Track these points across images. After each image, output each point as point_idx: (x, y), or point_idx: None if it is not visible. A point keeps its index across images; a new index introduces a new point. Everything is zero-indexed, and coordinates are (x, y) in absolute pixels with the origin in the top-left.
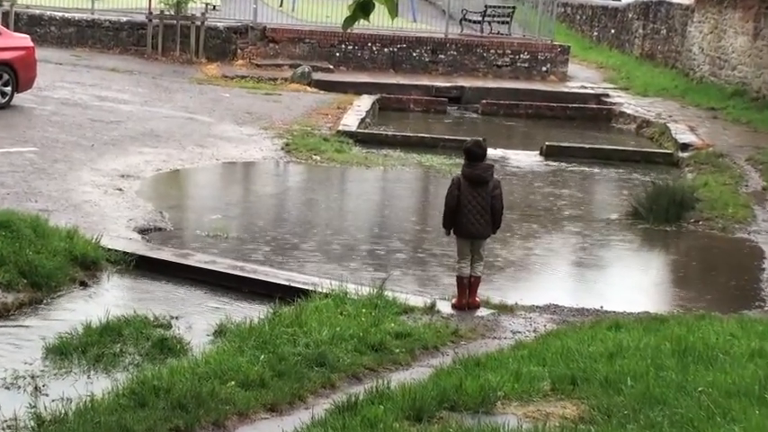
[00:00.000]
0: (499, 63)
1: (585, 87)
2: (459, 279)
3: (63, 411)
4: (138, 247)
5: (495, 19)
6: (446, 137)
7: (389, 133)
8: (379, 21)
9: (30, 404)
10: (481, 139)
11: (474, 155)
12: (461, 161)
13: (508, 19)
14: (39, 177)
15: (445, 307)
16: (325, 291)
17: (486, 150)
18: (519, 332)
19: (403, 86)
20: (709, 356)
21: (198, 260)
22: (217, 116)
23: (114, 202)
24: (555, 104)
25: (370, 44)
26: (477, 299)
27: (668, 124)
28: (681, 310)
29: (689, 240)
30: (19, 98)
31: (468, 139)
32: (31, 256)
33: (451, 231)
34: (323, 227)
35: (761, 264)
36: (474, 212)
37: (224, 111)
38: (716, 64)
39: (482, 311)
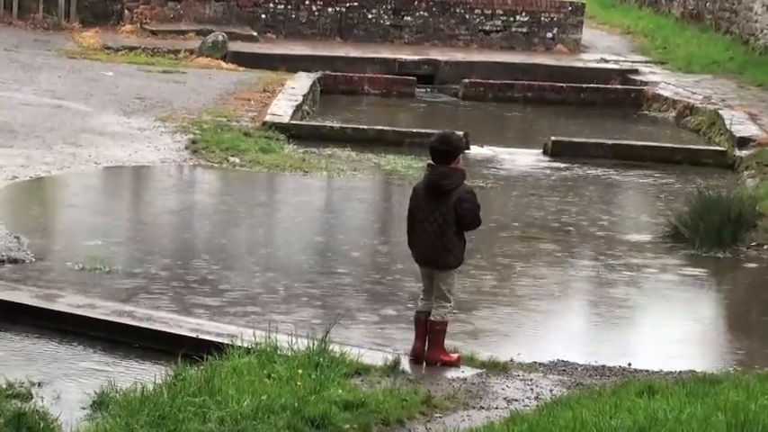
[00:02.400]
0: (487, 28)
1: (607, 61)
2: (415, 319)
3: None
4: None
5: None
6: (414, 130)
7: (336, 126)
8: None
9: None
10: (456, 132)
11: (434, 153)
12: None
13: None
14: None
15: (412, 366)
16: (246, 344)
17: (455, 148)
18: (516, 400)
19: (354, 61)
20: None
21: (69, 303)
22: (96, 103)
23: None
24: (564, 85)
25: (308, 2)
26: (442, 355)
27: (720, 111)
28: (739, 368)
29: (749, 271)
30: None
31: (458, 137)
32: None
33: None
34: (244, 256)
35: None
36: (428, 231)
37: (106, 96)
38: None
39: (465, 371)
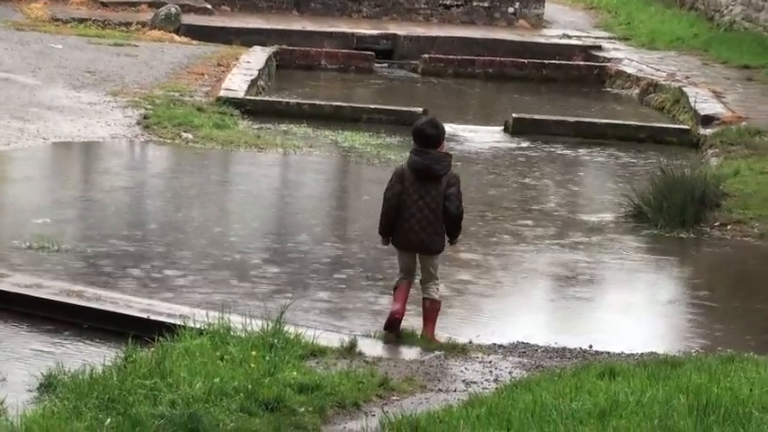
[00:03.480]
0: (448, 2)
1: (569, 37)
2: (394, 289)
3: None
4: None
5: None
6: (372, 106)
7: (291, 101)
8: None
9: None
10: (428, 115)
11: (425, 138)
12: (392, 140)
13: None
14: None
15: (369, 347)
16: (198, 325)
17: (442, 131)
18: (474, 382)
19: (311, 34)
20: (739, 415)
21: (15, 283)
22: (44, 76)
23: None
24: (526, 61)
25: None
26: (434, 334)
27: (685, 89)
28: (700, 350)
29: (713, 252)
30: None
31: (417, 113)
32: None
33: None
34: (196, 234)
35: None
36: (418, 217)
37: (54, 69)
38: (752, 4)
39: (424, 352)
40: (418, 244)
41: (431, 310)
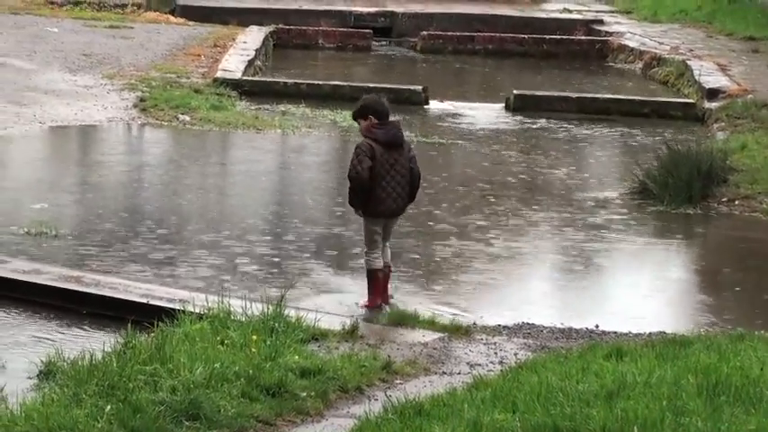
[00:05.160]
0: None
1: (570, 11)
2: (373, 273)
3: None
4: None
5: None
6: (371, 85)
7: (289, 81)
8: None
9: None
10: (368, 94)
11: (386, 111)
12: (391, 119)
13: None
14: None
15: (371, 331)
16: (198, 310)
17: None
18: (479, 365)
19: (308, 13)
20: (750, 395)
21: (14, 269)
22: (40, 60)
23: None
24: (526, 36)
25: None
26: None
27: (689, 62)
28: (709, 328)
29: (720, 228)
30: None
31: (417, 92)
32: None
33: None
34: (195, 217)
35: None
36: (393, 183)
37: (50, 52)
38: None
39: (426, 335)
40: (396, 209)
41: (389, 276)
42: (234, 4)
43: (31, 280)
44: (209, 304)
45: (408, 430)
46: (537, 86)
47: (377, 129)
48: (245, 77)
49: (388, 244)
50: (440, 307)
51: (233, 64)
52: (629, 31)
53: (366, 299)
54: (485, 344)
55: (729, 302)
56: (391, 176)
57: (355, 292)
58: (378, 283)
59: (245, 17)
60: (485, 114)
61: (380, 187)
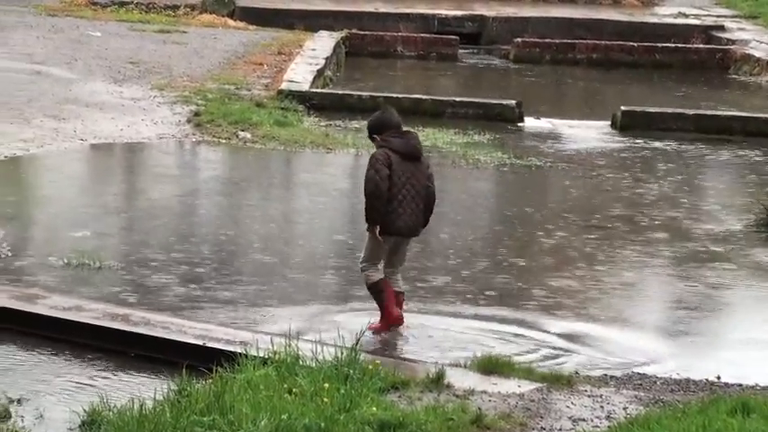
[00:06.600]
0: None
1: (686, 15)
2: (378, 285)
3: None
4: None
5: None
6: (457, 99)
7: (364, 95)
8: None
9: None
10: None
11: (398, 122)
12: (481, 138)
13: None
14: None
15: (459, 379)
16: (262, 353)
17: None
18: (583, 419)
19: (385, 17)
20: None
21: (52, 306)
22: (81, 69)
23: None
24: (635, 44)
25: None
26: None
27: None
28: None
29: None
30: None
31: (510, 107)
32: None
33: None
34: (258, 249)
35: None
36: (409, 198)
37: (93, 60)
38: None
39: (522, 386)
40: (412, 226)
41: (402, 301)
42: (301, 6)
43: (71, 318)
44: (275, 347)
45: None
46: (648, 102)
47: (394, 138)
48: (313, 89)
49: (399, 267)
50: (537, 351)
51: (300, 74)
52: (755, 39)
53: (378, 322)
54: (589, 396)
55: None
56: (407, 190)
57: (444, 333)
58: (389, 296)
59: (313, 21)
60: (587, 133)
61: (396, 200)
